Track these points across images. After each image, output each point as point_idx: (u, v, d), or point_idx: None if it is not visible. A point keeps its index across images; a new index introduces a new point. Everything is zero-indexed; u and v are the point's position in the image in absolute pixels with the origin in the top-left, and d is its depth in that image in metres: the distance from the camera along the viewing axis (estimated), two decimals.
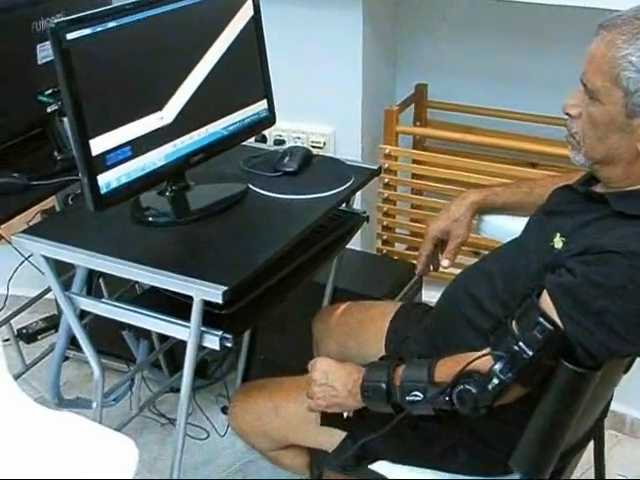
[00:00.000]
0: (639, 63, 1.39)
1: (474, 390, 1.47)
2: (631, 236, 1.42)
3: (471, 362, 1.48)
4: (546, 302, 1.45)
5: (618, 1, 2.08)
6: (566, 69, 2.58)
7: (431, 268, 1.96)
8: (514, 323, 1.48)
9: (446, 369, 1.53)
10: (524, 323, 1.46)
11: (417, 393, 1.53)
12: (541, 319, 1.43)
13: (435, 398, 1.51)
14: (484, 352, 1.49)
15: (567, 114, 1.54)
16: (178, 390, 2.54)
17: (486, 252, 2.54)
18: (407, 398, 1.54)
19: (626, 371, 1.61)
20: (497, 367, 1.45)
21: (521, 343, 1.44)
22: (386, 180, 2.73)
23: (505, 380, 1.45)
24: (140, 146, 1.75)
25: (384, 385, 1.57)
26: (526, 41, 2.75)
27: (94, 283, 2.04)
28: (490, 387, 1.46)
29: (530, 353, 1.43)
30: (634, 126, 1.43)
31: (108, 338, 2.25)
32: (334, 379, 1.65)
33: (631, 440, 2.61)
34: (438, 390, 1.51)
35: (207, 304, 1.67)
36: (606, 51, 1.43)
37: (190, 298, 1.66)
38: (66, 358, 2.30)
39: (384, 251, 2.87)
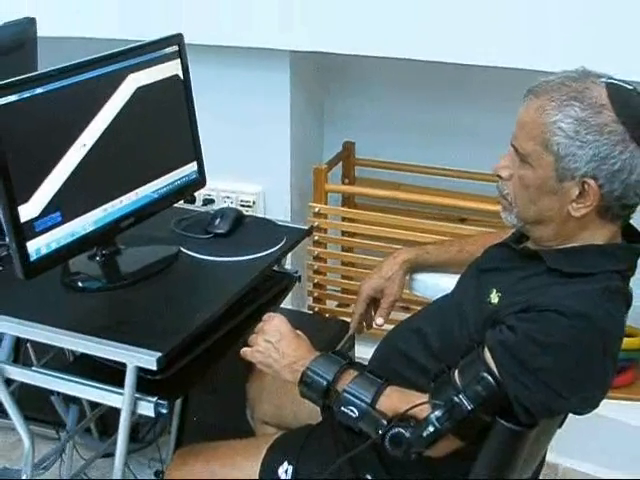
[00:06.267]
0: (569, 129, 1.42)
1: (408, 435, 1.47)
2: (571, 296, 1.44)
3: (413, 407, 1.48)
4: (488, 357, 1.46)
5: (540, 63, 2.18)
6: (491, 125, 2.68)
7: (364, 326, 1.96)
8: (457, 374, 1.49)
9: (390, 402, 1.53)
10: (467, 376, 1.46)
11: (353, 409, 1.52)
12: (485, 374, 1.44)
13: (368, 428, 1.50)
14: (424, 400, 1.49)
15: (498, 176, 1.56)
16: (108, 455, 2.51)
17: (417, 307, 2.58)
18: (342, 408, 1.53)
19: (560, 425, 1.63)
20: (434, 415, 1.45)
21: (462, 395, 1.44)
22: (316, 238, 2.74)
23: (441, 429, 1.45)
24: (70, 211, 1.73)
25: (325, 384, 1.56)
26: (451, 98, 2.81)
27: (22, 348, 1.98)
28: (425, 434, 1.45)
29: (470, 407, 1.43)
30: (565, 189, 1.46)
31: (35, 403, 2.16)
32: (283, 344, 1.63)
33: None
34: (373, 422, 1.50)
35: (140, 370, 1.64)
36: (536, 117, 1.45)
37: (123, 364, 1.63)
38: None
39: (316, 308, 2.87)
